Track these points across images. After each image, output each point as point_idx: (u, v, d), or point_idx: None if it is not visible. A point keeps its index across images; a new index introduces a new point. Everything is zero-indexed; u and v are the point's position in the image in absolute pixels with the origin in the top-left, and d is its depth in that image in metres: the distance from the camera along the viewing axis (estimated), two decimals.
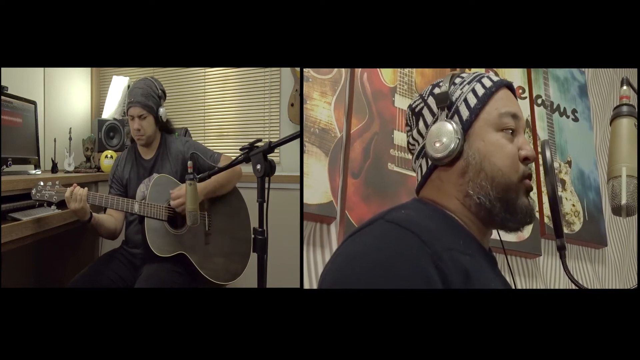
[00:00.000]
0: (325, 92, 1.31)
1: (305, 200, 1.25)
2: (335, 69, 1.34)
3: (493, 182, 0.76)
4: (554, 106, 1.80)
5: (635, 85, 0.83)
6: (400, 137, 1.36)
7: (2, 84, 1.86)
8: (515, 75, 1.74)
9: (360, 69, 1.37)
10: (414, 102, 0.87)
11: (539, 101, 1.76)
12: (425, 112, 0.83)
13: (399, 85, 1.40)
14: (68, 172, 2.39)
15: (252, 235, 1.15)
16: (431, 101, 0.83)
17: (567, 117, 1.82)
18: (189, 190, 1.33)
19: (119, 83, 2.75)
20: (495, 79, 0.82)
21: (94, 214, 1.61)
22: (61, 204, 1.59)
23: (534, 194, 0.83)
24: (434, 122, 0.81)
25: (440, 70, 1.50)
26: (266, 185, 1.14)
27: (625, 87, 0.81)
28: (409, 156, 1.28)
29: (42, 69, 2.53)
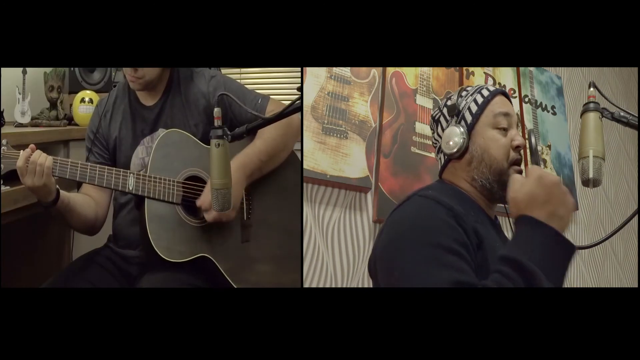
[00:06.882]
0: (363, 92, 1.66)
1: (347, 175, 1.55)
2: (372, 75, 1.71)
3: (490, 169, 1.00)
4: (538, 103, 2.31)
5: (602, 88, 1.03)
6: (420, 127, 1.75)
7: None
8: (507, 79, 2.20)
9: (390, 74, 1.74)
10: (434, 112, 1.12)
11: (526, 99, 2.26)
12: (442, 119, 1.08)
13: (419, 87, 1.82)
14: (21, 125, 1.70)
15: None
16: (445, 111, 1.08)
17: (548, 111, 2.35)
18: (216, 155, 0.93)
19: None
20: (491, 88, 1.05)
21: (62, 192, 1.11)
22: (11, 177, 1.07)
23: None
24: (447, 127, 1.05)
25: (450, 76, 1.93)
26: None
27: (592, 89, 1.03)
28: (428, 141, 1.74)
29: None
